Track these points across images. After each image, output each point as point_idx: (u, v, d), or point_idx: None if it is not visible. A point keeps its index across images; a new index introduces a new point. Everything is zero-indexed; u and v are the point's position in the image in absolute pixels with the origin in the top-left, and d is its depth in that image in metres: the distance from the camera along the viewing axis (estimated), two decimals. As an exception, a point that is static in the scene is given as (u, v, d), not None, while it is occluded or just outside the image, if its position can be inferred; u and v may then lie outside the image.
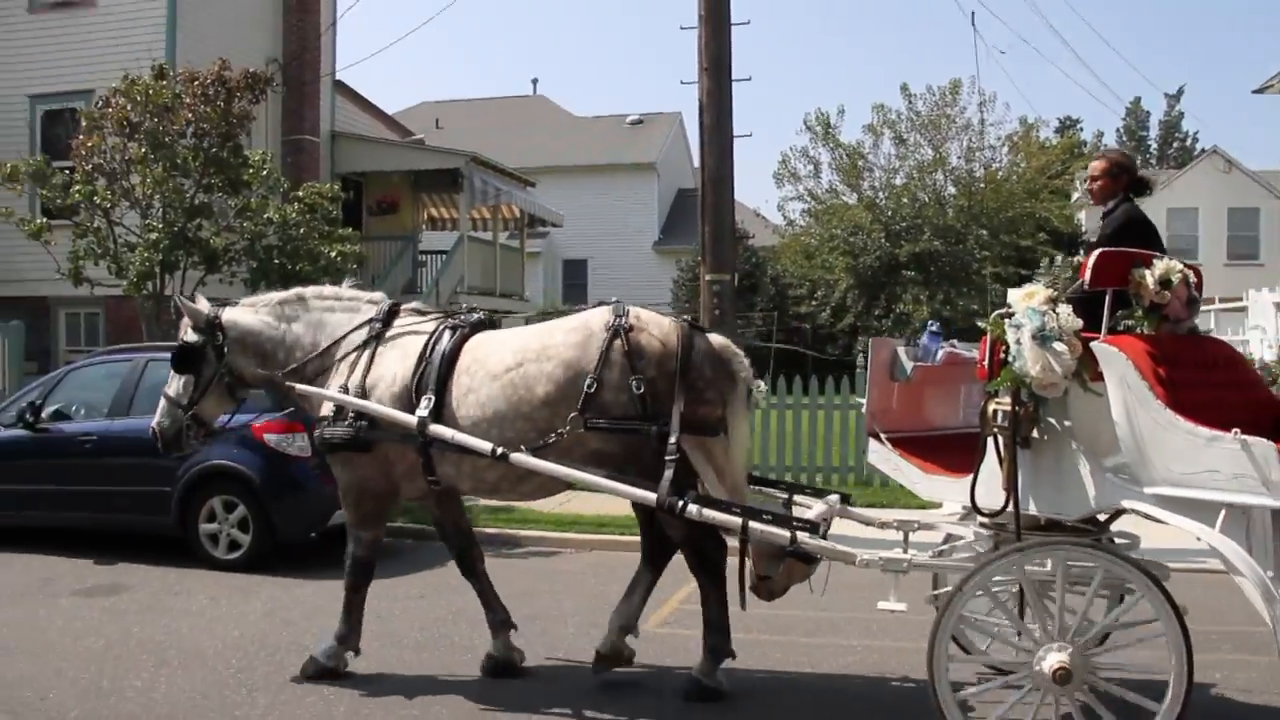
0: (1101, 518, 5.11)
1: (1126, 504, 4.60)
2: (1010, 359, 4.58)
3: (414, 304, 6.69)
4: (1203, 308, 5.59)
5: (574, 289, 36.52)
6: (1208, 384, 4.82)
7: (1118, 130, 57.69)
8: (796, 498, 5.97)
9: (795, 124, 54.78)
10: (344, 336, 6.31)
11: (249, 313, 6.55)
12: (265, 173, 14.86)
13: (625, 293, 34.06)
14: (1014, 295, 4.74)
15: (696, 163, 11.74)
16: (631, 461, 5.51)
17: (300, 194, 15.13)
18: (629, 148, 37.82)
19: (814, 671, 6.34)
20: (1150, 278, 4.72)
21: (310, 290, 6.75)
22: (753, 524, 5.19)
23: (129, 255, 13.94)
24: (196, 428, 6.52)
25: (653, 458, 5.41)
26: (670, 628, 7.21)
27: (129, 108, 13.91)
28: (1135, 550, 5.24)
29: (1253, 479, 4.10)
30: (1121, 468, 4.53)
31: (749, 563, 5.43)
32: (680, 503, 5.25)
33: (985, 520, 4.99)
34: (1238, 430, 4.15)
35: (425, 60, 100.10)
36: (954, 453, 5.21)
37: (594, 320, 5.78)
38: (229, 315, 6.52)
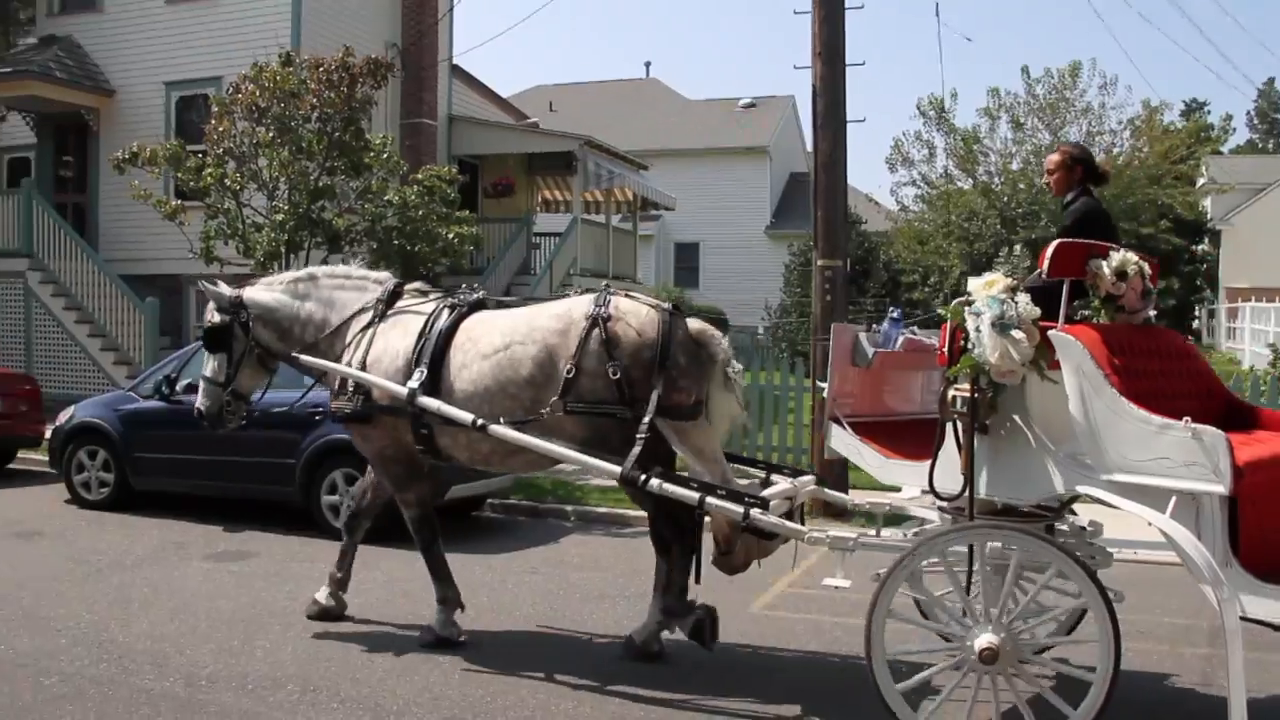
0: (1056, 504, 5.19)
1: (1080, 490, 4.69)
2: (970, 346, 4.68)
3: (417, 284, 7.07)
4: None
5: (685, 272, 36.62)
6: (1161, 373, 4.95)
7: (1248, 113, 55.58)
8: (772, 475, 6.18)
9: (909, 108, 53.94)
10: (353, 315, 6.70)
11: (266, 291, 6.97)
12: (385, 156, 15.24)
13: (736, 277, 34.11)
14: (974, 284, 4.84)
15: (809, 146, 11.69)
16: (606, 443, 5.81)
17: (419, 176, 15.49)
18: (741, 131, 37.67)
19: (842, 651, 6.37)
20: (1107, 269, 4.87)
21: (321, 269, 7.18)
22: (709, 499, 5.43)
23: (256, 235, 14.45)
24: (236, 403, 6.97)
25: (625, 441, 5.70)
26: (775, 610, 7.30)
27: (257, 94, 14.38)
28: (1096, 538, 5.48)
29: (1203, 466, 4.20)
30: (1076, 454, 4.64)
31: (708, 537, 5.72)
32: (643, 477, 5.56)
33: (942, 505, 5.13)
34: (1189, 419, 4.25)
35: (540, 44, 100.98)
36: (913, 438, 5.30)
37: (576, 309, 6.09)
38: (249, 294, 6.94)
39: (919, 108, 29.59)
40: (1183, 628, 6.96)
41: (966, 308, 4.76)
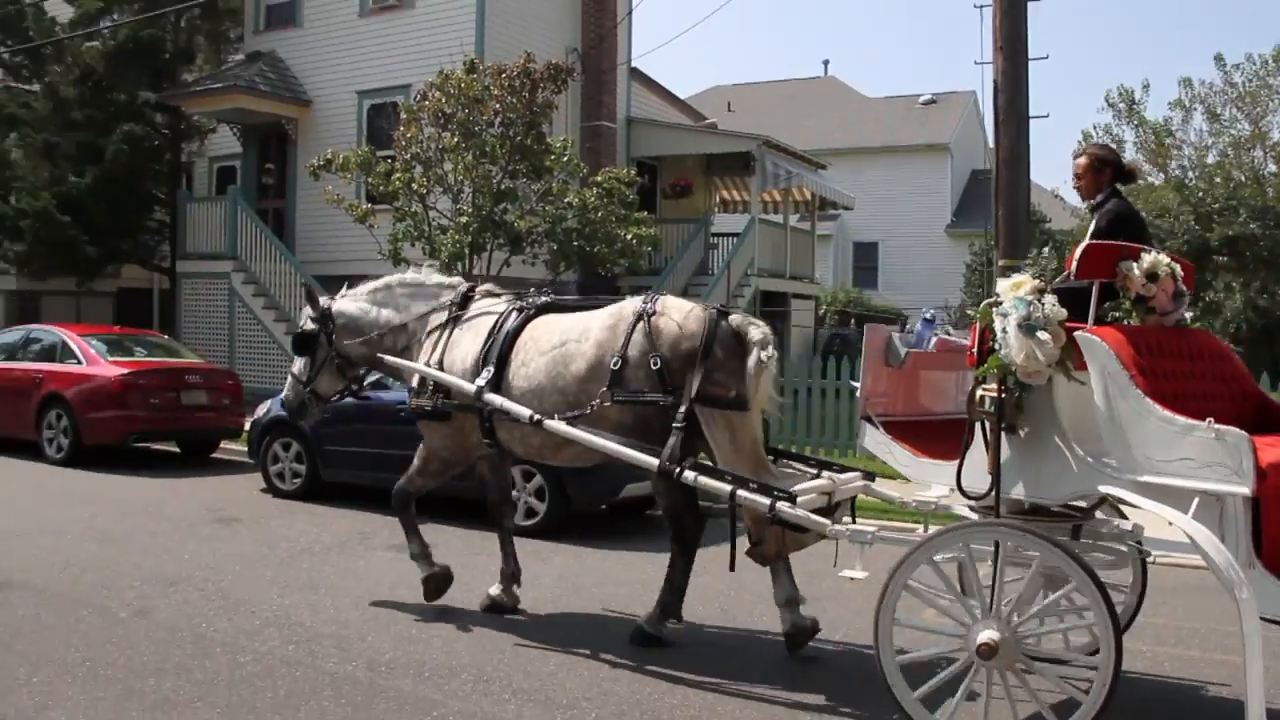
0: (1085, 504, 5.19)
1: (1104, 490, 4.71)
2: (997, 347, 4.72)
3: (487, 286, 7.53)
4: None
5: (864, 272, 36.11)
6: (1191, 375, 4.96)
7: None
8: (824, 473, 6.25)
9: (1095, 102, 51.72)
10: (427, 318, 7.25)
11: (351, 302, 7.58)
12: (566, 159, 15.52)
13: (916, 276, 33.35)
14: (1002, 285, 4.88)
15: (991, 143, 11.36)
16: (649, 431, 6.10)
17: (598, 178, 15.72)
18: (921, 128, 36.93)
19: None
20: (1137, 270, 4.88)
21: (395, 278, 7.65)
22: (740, 491, 5.60)
23: (441, 237, 14.92)
24: (316, 400, 7.70)
25: (665, 429, 6.01)
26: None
27: (443, 100, 14.86)
28: (1137, 539, 5.45)
29: (1225, 467, 4.20)
30: (1101, 454, 4.66)
31: (741, 526, 5.89)
32: (678, 469, 5.79)
33: (971, 504, 5.15)
34: (1212, 420, 4.25)
35: (717, 45, 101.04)
36: (943, 437, 5.31)
37: (627, 307, 6.46)
38: (337, 305, 7.56)
39: (1107, 100, 28.35)
40: (1221, 633, 6.64)
41: (995, 309, 4.80)
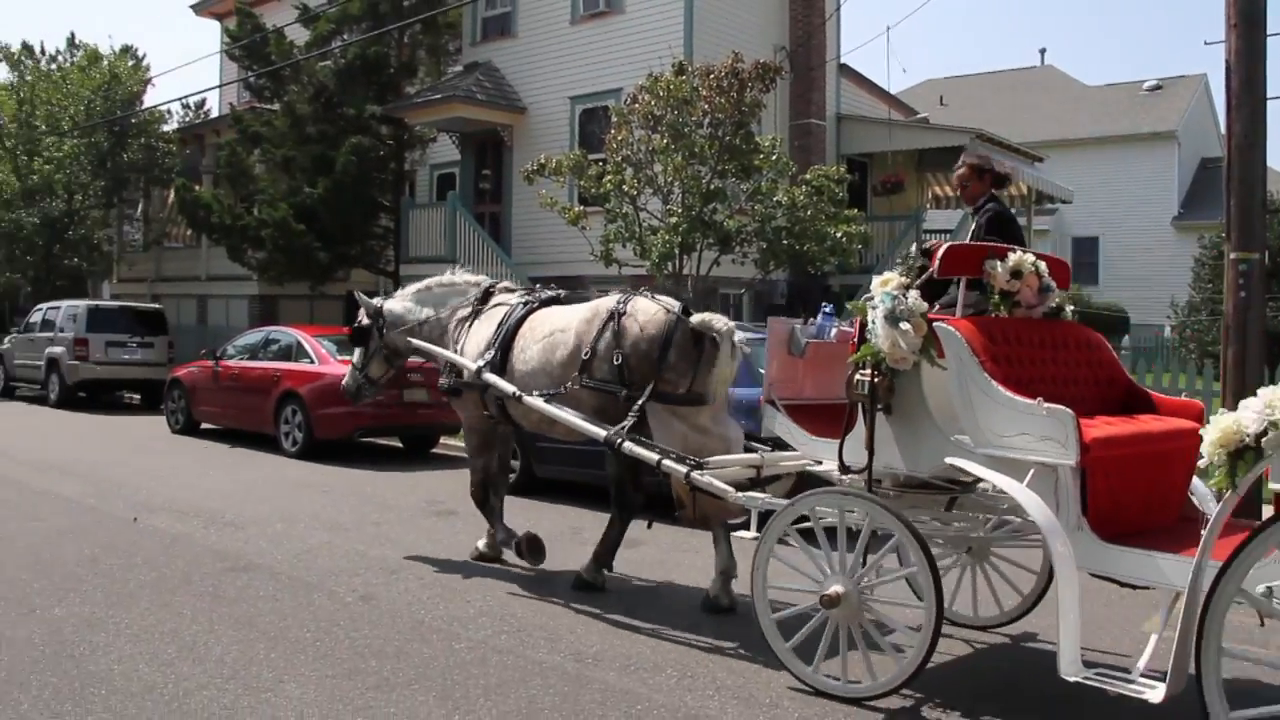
0: (966, 478, 5.62)
1: (960, 463, 5.24)
2: (870, 337, 5.32)
3: (505, 283, 8.80)
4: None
5: (1085, 267, 34.47)
6: (1053, 362, 5.56)
7: None
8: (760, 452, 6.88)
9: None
10: (455, 311, 8.48)
11: (398, 302, 8.88)
12: (775, 157, 15.47)
13: (1139, 273, 31.74)
14: (874, 281, 5.48)
15: (1223, 129, 10.67)
16: (608, 415, 7.14)
17: (808, 177, 15.60)
18: (1145, 116, 35.07)
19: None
20: (1001, 268, 5.50)
21: (433, 279, 8.85)
22: (664, 461, 6.57)
23: (652, 238, 15.09)
24: (369, 385, 9.08)
25: (620, 414, 7.03)
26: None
27: (653, 103, 15.03)
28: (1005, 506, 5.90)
29: (1056, 442, 4.76)
30: (957, 431, 5.24)
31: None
32: (620, 441, 6.81)
33: (851, 477, 5.67)
34: (1042, 399, 4.82)
35: (928, 38, 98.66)
36: (835, 419, 5.80)
37: (604, 305, 7.46)
38: (387, 305, 8.89)
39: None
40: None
41: (868, 303, 5.41)
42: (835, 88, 23.34)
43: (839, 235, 15.30)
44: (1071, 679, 4.51)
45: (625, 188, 15.22)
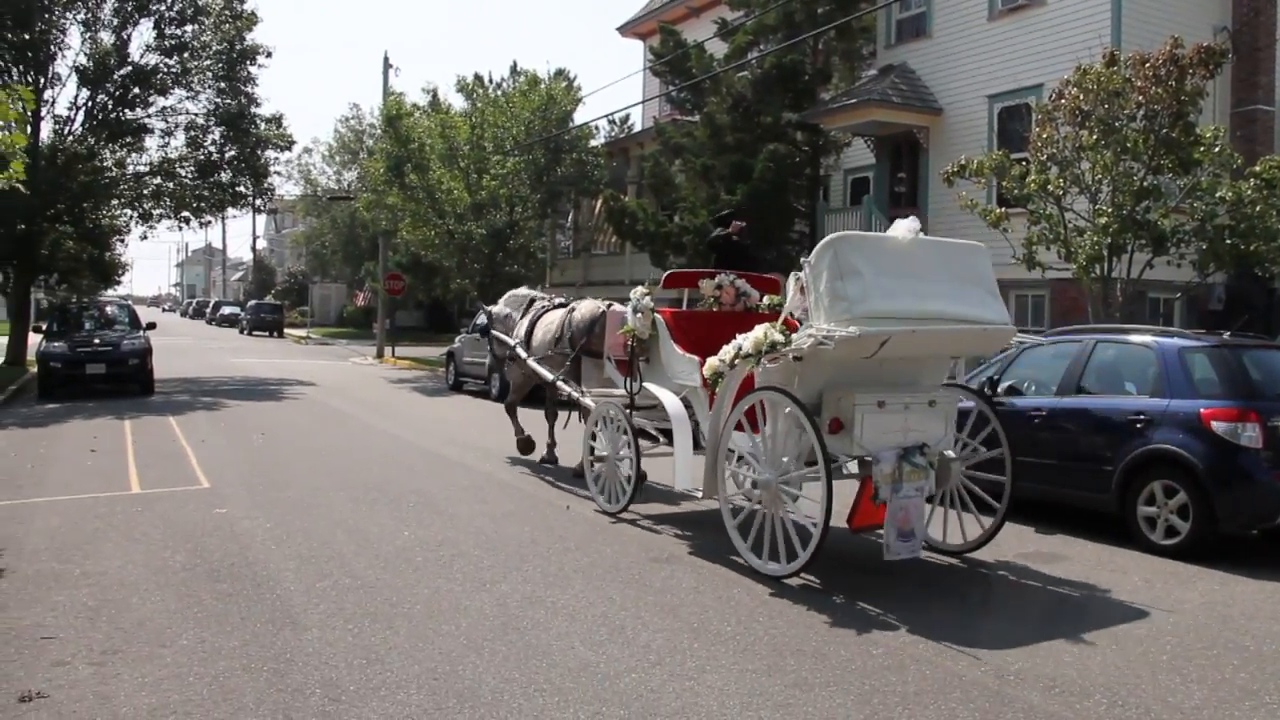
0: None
1: (651, 389, 10.01)
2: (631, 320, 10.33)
3: (542, 295, 14.33)
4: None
5: None
6: (724, 336, 8.88)
7: None
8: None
9: None
10: (515, 313, 14.21)
11: (498, 307, 14.78)
12: (1216, 149, 14.32)
13: None
14: (635, 291, 10.35)
15: None
16: (566, 366, 12.41)
17: (1256, 169, 14.29)
18: None
19: None
20: (707, 284, 10.64)
21: (510, 294, 14.89)
22: (562, 387, 12.38)
23: (1078, 239, 14.42)
24: (499, 364, 15.47)
25: (571, 369, 12.39)
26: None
27: (1080, 97, 14.34)
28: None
29: (695, 375, 9.29)
30: (666, 370, 9.92)
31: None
32: (556, 380, 12.44)
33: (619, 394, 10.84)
34: (688, 352, 9.62)
35: None
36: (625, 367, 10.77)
37: (573, 307, 12.76)
38: (495, 309, 14.82)
39: None
40: None
41: (629, 301, 10.42)
42: (1290, 69, 21.14)
43: (1294, 232, 13.88)
44: (680, 489, 9.31)
45: (1050, 188, 14.62)
